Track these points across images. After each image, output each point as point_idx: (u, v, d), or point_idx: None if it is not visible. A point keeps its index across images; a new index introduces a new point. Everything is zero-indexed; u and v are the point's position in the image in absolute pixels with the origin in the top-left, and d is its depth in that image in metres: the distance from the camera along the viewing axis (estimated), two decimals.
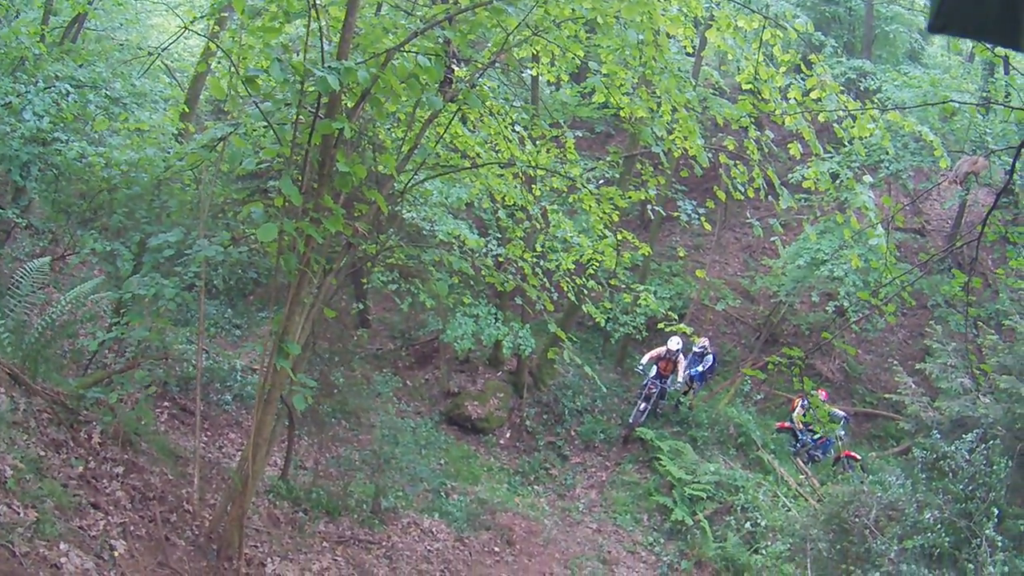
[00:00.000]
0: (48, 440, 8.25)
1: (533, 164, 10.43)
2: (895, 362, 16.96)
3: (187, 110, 12.81)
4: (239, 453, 12.69)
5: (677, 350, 18.55)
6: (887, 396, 18.98)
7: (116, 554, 7.35)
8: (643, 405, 18.80)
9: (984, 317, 18.86)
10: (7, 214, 12.25)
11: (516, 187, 11.06)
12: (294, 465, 12.80)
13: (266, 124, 8.46)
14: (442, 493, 15.21)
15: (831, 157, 12.22)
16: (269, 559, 9.80)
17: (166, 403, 13.34)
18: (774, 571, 14.76)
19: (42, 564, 6.09)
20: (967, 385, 13.68)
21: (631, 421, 18.81)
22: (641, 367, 18.99)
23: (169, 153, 10.48)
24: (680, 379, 18.80)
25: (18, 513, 6.36)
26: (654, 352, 18.84)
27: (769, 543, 15.39)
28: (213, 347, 15.52)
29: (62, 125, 11.96)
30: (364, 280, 15.78)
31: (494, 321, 16.19)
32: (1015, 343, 13.89)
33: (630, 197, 11.43)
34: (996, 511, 11.01)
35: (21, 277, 10.35)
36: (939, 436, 12.43)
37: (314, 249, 8.13)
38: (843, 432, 18.67)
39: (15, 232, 14.01)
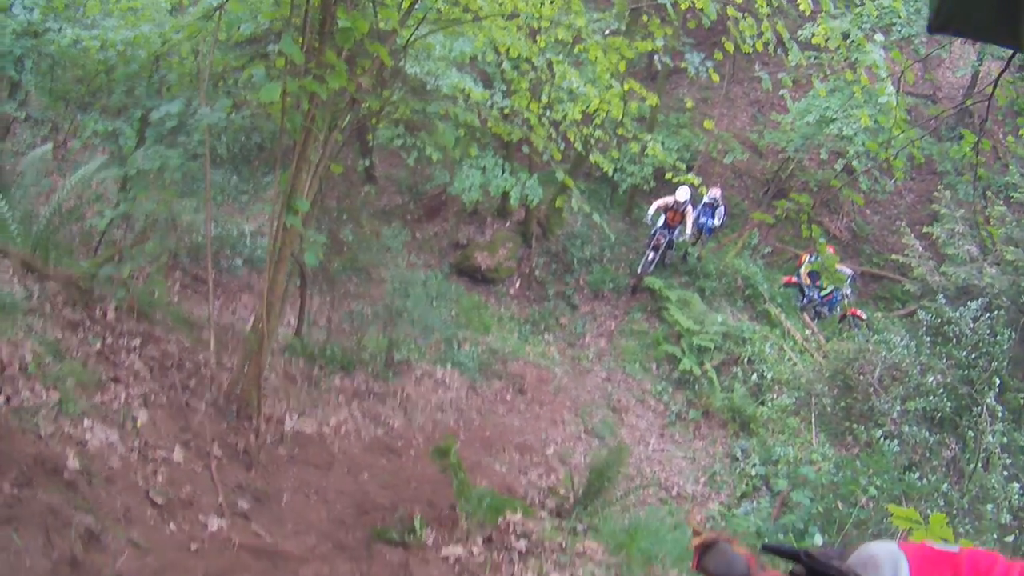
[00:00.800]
0: (65, 322, 8.37)
1: (537, 15, 10.29)
2: (903, 224, 16.98)
3: None
4: (253, 316, 12.89)
5: (685, 201, 18.45)
6: (894, 258, 19.03)
7: (139, 424, 7.53)
8: (651, 255, 18.88)
9: (994, 189, 18.79)
10: (5, 109, 12.14)
11: (520, 39, 10.91)
12: (307, 323, 12.95)
13: None
14: (454, 344, 15.42)
15: (841, 15, 12.01)
16: (287, 416, 10.01)
17: (178, 273, 13.49)
18: (779, 424, 15.04)
19: (68, 442, 6.26)
20: (973, 253, 13.71)
21: (639, 271, 18.94)
22: (649, 217, 18.97)
23: (165, 28, 10.33)
24: (689, 230, 18.76)
25: (40, 396, 6.50)
26: (661, 202, 18.76)
27: (775, 396, 15.72)
28: (221, 214, 15.55)
29: (53, 15, 11.73)
30: (369, 137, 15.69)
31: (501, 172, 16.16)
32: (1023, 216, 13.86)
33: (637, 48, 11.28)
34: (998, 381, 11.17)
35: (25, 168, 10.33)
36: (944, 301, 12.50)
37: (318, 107, 8.09)
38: (849, 290, 18.85)
39: (15, 127, 13.90)
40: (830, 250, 17.89)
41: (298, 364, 11.74)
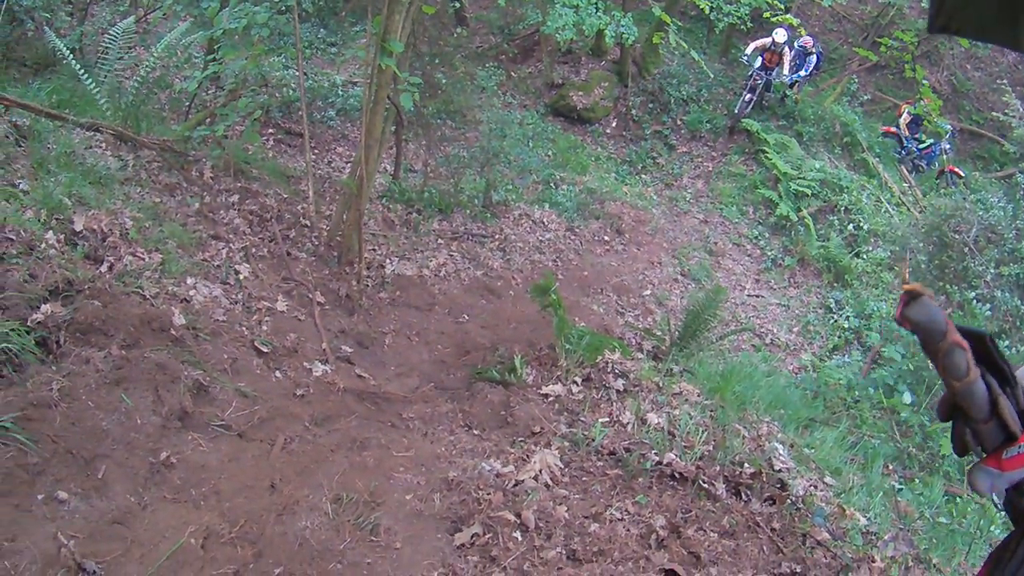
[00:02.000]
0: (162, 186, 8.57)
1: None
2: (1004, 83, 16.34)
3: None
4: (348, 165, 13.01)
5: (783, 42, 18.01)
6: (994, 115, 18.43)
7: (242, 277, 7.79)
8: (748, 96, 18.53)
9: None
10: None
11: None
12: (404, 168, 13.06)
13: None
14: (551, 184, 15.46)
15: None
16: (388, 260, 10.27)
17: (271, 130, 13.60)
18: (874, 277, 14.91)
19: (172, 300, 6.49)
20: None
21: (736, 111, 18.60)
22: (746, 57, 18.54)
23: None
24: (786, 71, 18.37)
25: (143, 259, 6.71)
26: (759, 42, 18.35)
27: (870, 248, 15.55)
28: (311, 68, 15.56)
29: None
30: None
31: (595, 10, 15.88)
32: None
33: None
34: None
35: (109, 43, 10.40)
36: None
37: None
38: (948, 145, 18.42)
39: (92, 7, 13.91)
40: (925, 100, 17.48)
41: (396, 209, 11.92)
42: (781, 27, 16.71)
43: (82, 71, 9.61)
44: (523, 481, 5.46)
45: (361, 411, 6.78)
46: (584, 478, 5.76)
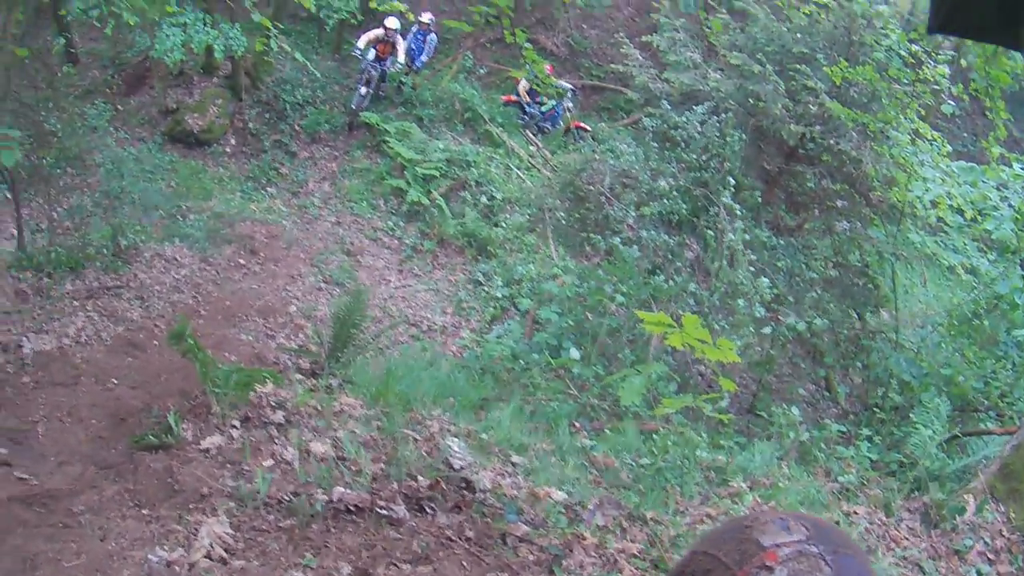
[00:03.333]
0: None
1: None
2: (622, 36, 17.38)
3: None
4: None
5: (395, 30, 18.46)
6: (613, 67, 19.41)
7: None
8: (364, 90, 18.82)
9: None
10: None
11: None
12: (31, 230, 12.58)
13: None
14: (178, 216, 15.28)
15: None
16: (24, 338, 9.92)
17: None
18: (517, 243, 15.55)
19: None
20: (696, 60, 14.01)
21: (353, 107, 18.89)
22: (358, 51, 18.83)
23: None
24: (401, 59, 18.85)
25: None
26: (370, 34, 18.68)
27: (508, 216, 16.20)
28: None
29: None
30: (63, 12, 15.00)
31: (203, 26, 15.74)
32: (748, 24, 14.32)
33: None
34: (732, 181, 11.70)
35: None
36: (669, 107, 12.87)
37: None
38: (571, 104, 19.38)
39: None
40: (547, 68, 18.34)
41: (27, 278, 11.49)
42: (392, 15, 17.05)
43: None
44: (196, 563, 5.34)
45: (31, 518, 6.51)
46: (259, 539, 5.71)
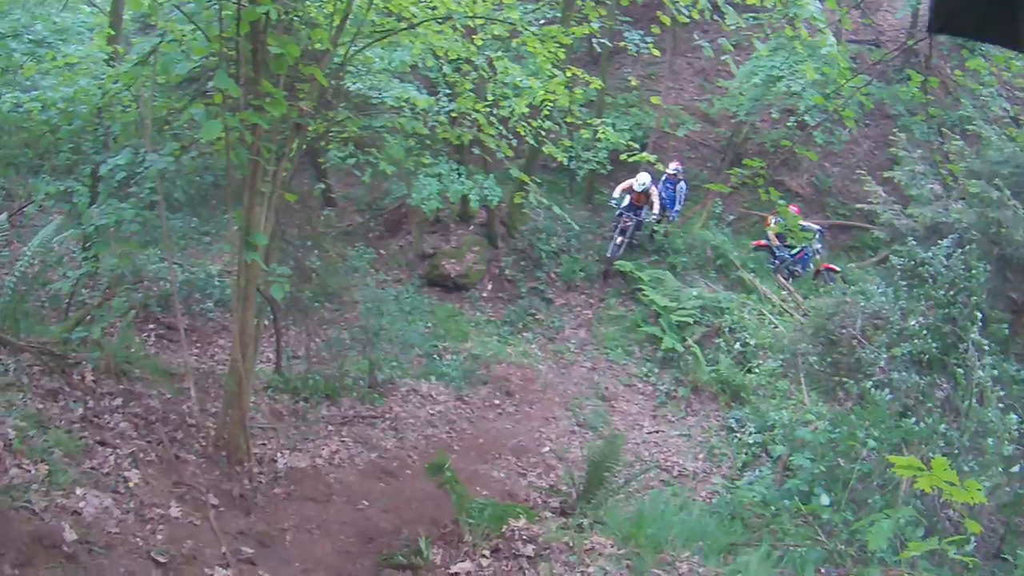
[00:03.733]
0: (44, 392, 8.26)
1: (471, 15, 10.22)
2: (863, 172, 16.91)
3: (113, 33, 12.22)
4: (230, 358, 12.76)
5: (647, 183, 18.47)
6: (859, 207, 18.96)
7: (131, 484, 7.43)
8: (619, 239, 18.76)
9: (948, 125, 18.79)
10: None
11: (457, 41, 10.85)
12: (287, 356, 12.85)
13: (193, 26, 8.24)
14: (435, 356, 15.38)
15: None
16: (279, 454, 9.94)
17: (151, 326, 13.35)
18: (770, 388, 15.02)
19: (62, 513, 6.17)
20: (937, 191, 13.63)
21: (608, 255, 18.83)
22: (614, 200, 18.92)
23: (103, 79, 10.19)
24: (656, 210, 18.75)
25: (29, 471, 6.40)
26: (625, 184, 18.78)
27: (761, 361, 15.71)
28: (186, 259, 15.30)
29: None
30: (322, 160, 15.58)
31: (457, 177, 16.03)
32: (982, 147, 13.83)
33: (573, 33, 11.23)
34: (979, 315, 11.09)
35: None
36: (915, 243, 12.43)
37: (261, 137, 8.01)
38: (819, 245, 18.86)
39: None
40: (793, 209, 17.89)
41: (283, 399, 11.65)
42: (643, 171, 17.01)
43: None
44: None
45: None
46: None
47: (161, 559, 6.49)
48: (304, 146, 10.67)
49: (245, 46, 7.82)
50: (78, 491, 6.65)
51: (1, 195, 13.65)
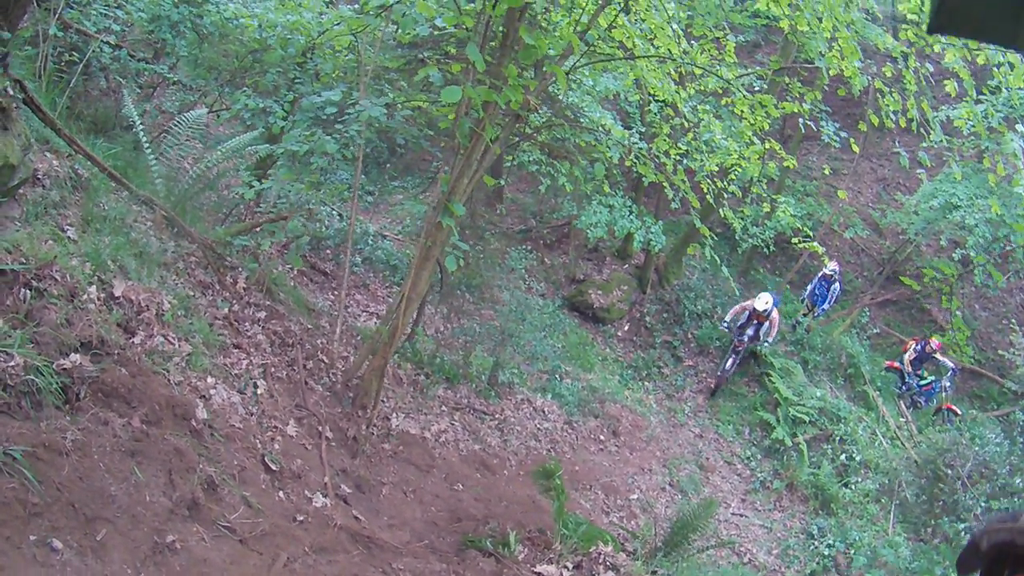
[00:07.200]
0: (196, 281, 8.49)
1: (691, 62, 10.24)
2: (1013, 322, 16.44)
3: None
4: (364, 313, 13.00)
5: (766, 310, 17.12)
6: (1000, 353, 18.52)
7: (259, 392, 7.60)
8: (730, 360, 17.84)
9: None
10: (157, 70, 12.27)
11: (669, 83, 10.86)
12: (419, 331, 13.02)
13: None
14: (557, 376, 15.31)
15: (988, 102, 11.75)
16: (394, 414, 10.11)
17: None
18: (860, 508, 14.74)
19: (194, 393, 6.32)
20: None
21: (718, 373, 18.01)
22: (726, 323, 17.83)
23: (324, 18, 10.44)
24: (771, 338, 17.63)
25: (173, 344, 6.55)
26: (740, 306, 17.80)
27: (860, 479, 15.42)
28: (347, 210, 15.65)
29: None
30: (509, 157, 15.71)
31: (628, 213, 16.03)
32: None
33: (783, 108, 11.18)
34: None
35: (176, 127, 10.49)
36: None
37: (489, 116, 8.13)
38: (949, 383, 18.49)
39: (162, 87, 14.11)
40: (934, 343, 17.60)
41: (406, 368, 11.81)
42: (765, 293, 16.49)
43: (148, 146, 9.66)
44: None
45: (355, 551, 6.57)
46: None
47: (273, 466, 6.64)
48: (514, 138, 10.84)
49: (497, 28, 7.97)
50: (210, 379, 6.82)
51: (196, 95, 14.00)
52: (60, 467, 4.45)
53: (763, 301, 17.00)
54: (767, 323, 17.28)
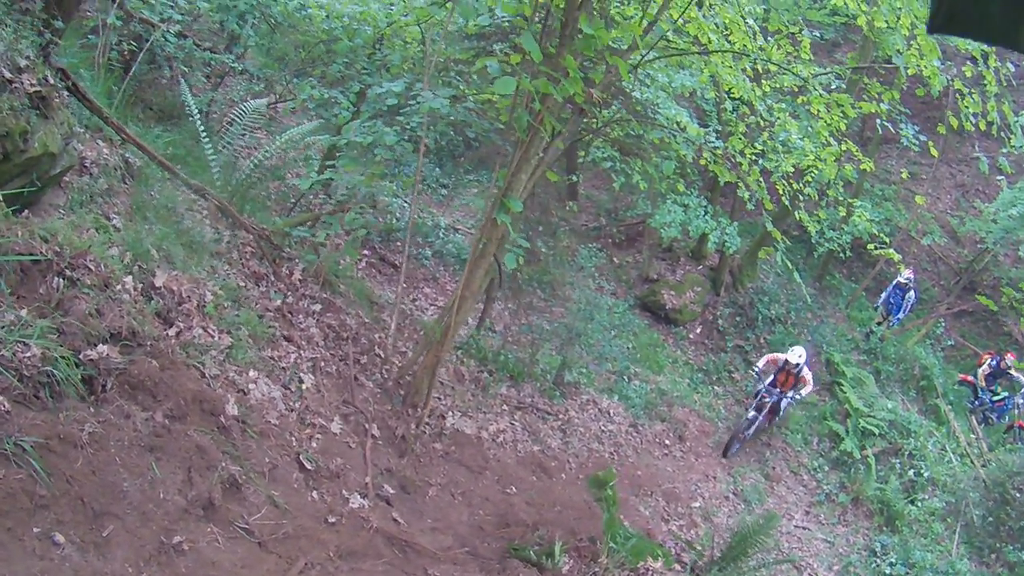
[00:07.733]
0: (249, 272, 8.50)
1: (767, 59, 9.99)
2: None
3: None
4: (432, 306, 12.92)
5: (798, 364, 15.40)
6: None
7: (304, 387, 7.54)
8: (752, 414, 15.69)
9: None
10: (223, 59, 12.33)
11: (745, 80, 10.63)
12: (486, 326, 12.93)
13: None
14: (625, 377, 15.14)
15: None
16: (450, 412, 10.02)
17: (365, 252, 13.58)
18: (924, 527, 14.40)
19: (230, 387, 6.28)
20: None
21: (735, 430, 15.79)
22: (756, 371, 16.13)
23: (392, 10, 10.39)
24: (801, 396, 15.77)
25: (212, 337, 6.53)
26: (771, 357, 16.05)
27: (927, 496, 15.10)
28: (419, 204, 15.61)
29: None
30: (582, 153, 15.53)
31: (703, 213, 15.80)
32: None
33: (860, 108, 10.86)
34: None
35: (237, 116, 10.52)
36: None
37: (548, 109, 7.97)
38: (1022, 400, 17.95)
39: (229, 77, 14.19)
40: (1010, 356, 17.07)
41: (469, 365, 11.75)
42: (798, 347, 15.38)
43: (205, 135, 9.69)
44: None
45: (388, 556, 6.48)
46: None
47: (308, 465, 6.58)
48: (584, 133, 10.67)
49: (557, 18, 7.81)
50: (251, 373, 6.77)
51: (262, 85, 14.05)
52: (73, 460, 4.43)
53: (796, 355, 15.48)
54: (796, 382, 15.62)
